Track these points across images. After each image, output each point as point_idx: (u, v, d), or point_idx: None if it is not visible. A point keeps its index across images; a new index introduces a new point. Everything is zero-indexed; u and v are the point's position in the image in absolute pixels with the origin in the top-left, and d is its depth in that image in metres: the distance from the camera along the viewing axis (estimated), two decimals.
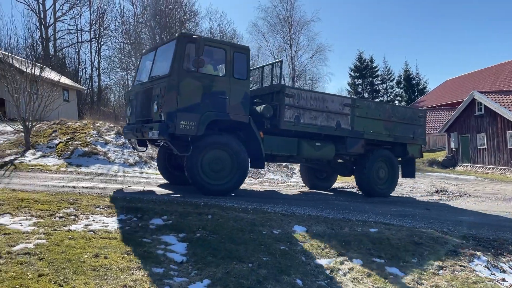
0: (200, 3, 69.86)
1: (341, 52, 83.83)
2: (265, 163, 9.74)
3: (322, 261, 4.64)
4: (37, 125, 14.05)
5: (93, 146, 12.91)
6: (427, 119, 33.02)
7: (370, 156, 10.15)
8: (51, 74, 18.54)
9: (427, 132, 31.50)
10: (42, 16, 32.84)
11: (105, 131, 14.57)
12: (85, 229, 5.05)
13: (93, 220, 5.46)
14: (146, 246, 4.62)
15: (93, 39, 36.62)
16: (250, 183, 12.11)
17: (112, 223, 5.42)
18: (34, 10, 32.56)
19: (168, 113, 7.73)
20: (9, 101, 15.26)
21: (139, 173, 11.64)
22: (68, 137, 13.52)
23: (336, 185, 12.62)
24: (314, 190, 11.26)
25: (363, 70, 53.34)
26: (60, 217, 5.42)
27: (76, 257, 4.04)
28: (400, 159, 11.11)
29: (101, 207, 6.14)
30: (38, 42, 30.75)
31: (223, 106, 8.17)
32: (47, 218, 5.36)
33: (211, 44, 8.56)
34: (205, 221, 5.77)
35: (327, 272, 4.33)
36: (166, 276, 3.86)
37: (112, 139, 13.96)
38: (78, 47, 36.17)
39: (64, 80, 26.36)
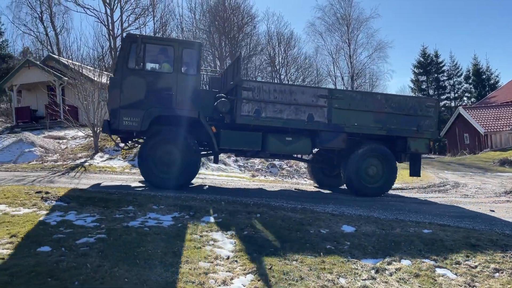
0: (257, 6, 70.96)
1: (403, 48, 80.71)
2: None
3: (369, 261, 4.58)
4: None
5: None
6: (497, 115, 31.05)
7: (355, 151, 9.34)
8: None
9: (497, 130, 29.62)
10: (110, 27, 35.07)
11: None
12: (141, 225, 5.40)
13: (149, 217, 5.81)
14: (196, 242, 4.85)
15: None
16: (305, 184, 12.12)
17: (166, 220, 5.74)
18: (103, 22, 34.85)
19: (111, 110, 8.36)
20: (80, 108, 16.54)
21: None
22: None
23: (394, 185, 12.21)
24: None
25: (427, 66, 50.90)
26: (120, 214, 5.84)
27: (129, 251, 4.35)
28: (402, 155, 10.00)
29: (157, 205, 6.50)
30: (107, 52, 32.90)
31: (169, 102, 8.37)
32: (109, 215, 5.79)
33: (157, 42, 9.02)
34: (254, 220, 5.92)
35: (373, 271, 4.28)
36: (211, 271, 4.04)
37: None
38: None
39: None
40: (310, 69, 41.34)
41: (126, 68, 8.37)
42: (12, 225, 5.06)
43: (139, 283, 3.61)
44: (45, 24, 36.51)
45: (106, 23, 35.11)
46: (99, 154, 13.36)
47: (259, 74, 38.71)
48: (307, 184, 11.87)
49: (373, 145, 9.48)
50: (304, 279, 3.94)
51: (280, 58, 40.14)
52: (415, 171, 10.14)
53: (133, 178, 10.06)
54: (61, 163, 12.14)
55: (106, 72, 17.68)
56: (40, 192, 6.86)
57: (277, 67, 39.76)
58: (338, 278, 4.03)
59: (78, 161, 12.44)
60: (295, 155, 10.28)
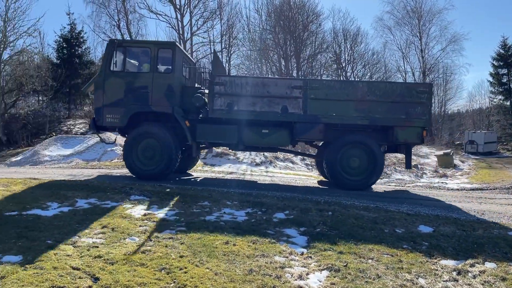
0: (322, 4, 70.00)
1: (480, 40, 75.13)
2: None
3: (449, 262, 4.40)
4: None
5: (225, 148, 14.04)
6: None
7: (334, 143, 8.99)
8: None
9: None
10: (181, 32, 36.64)
11: None
12: (217, 219, 5.64)
13: (224, 212, 6.05)
14: (270, 237, 4.97)
15: (224, 49, 39.50)
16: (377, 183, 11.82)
17: (240, 215, 5.93)
18: (174, 27, 36.56)
19: (96, 108, 9.40)
20: None
21: (264, 172, 12.29)
22: None
23: (473, 185, 11.52)
24: (449, 192, 10.47)
25: (508, 58, 46.98)
26: (197, 209, 6.14)
27: (209, 243, 4.58)
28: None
29: (230, 201, 6.74)
30: None
31: (146, 99, 9.11)
32: (187, 209, 6.12)
33: (135, 45, 10.00)
34: (325, 217, 5.92)
35: (454, 273, 4.11)
36: (287, 265, 4.13)
37: None
38: (211, 57, 39.37)
39: None
40: (378, 65, 40.02)
41: (109, 70, 9.21)
42: (103, 217, 5.53)
43: (218, 273, 3.79)
44: (122, 31, 38.94)
45: (176, 28, 36.75)
46: None
47: (324, 72, 38.24)
48: (378, 183, 11.57)
49: (354, 136, 9.03)
50: (381, 277, 3.89)
51: (346, 55, 39.32)
52: (407, 163, 9.41)
53: (206, 176, 10.47)
54: None
55: None
56: (124, 187, 7.40)
57: (343, 65, 39.02)
58: (417, 278, 3.93)
59: None
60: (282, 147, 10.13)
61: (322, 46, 36.89)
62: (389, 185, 11.52)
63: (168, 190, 7.51)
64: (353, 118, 8.85)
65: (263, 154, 14.26)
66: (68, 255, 4.05)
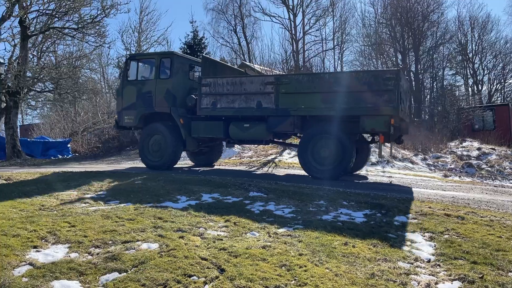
0: None
1: None
2: None
3: None
4: None
5: None
6: None
7: (305, 134, 9.42)
8: None
9: None
10: (293, 32, 37.10)
11: None
12: (334, 219, 5.56)
13: (341, 213, 5.94)
14: (392, 241, 4.73)
15: (336, 46, 38.89)
16: (509, 186, 10.49)
17: (358, 216, 5.76)
18: (286, 28, 37.24)
19: (117, 112, 11.43)
20: None
21: (381, 171, 11.76)
22: None
23: None
24: None
25: None
26: (313, 208, 6.14)
27: (328, 243, 4.53)
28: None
29: (347, 201, 6.59)
30: (290, 56, 34.89)
31: (151, 102, 10.72)
32: (303, 207, 6.15)
33: (144, 57, 12.00)
34: (454, 224, 5.43)
35: None
36: (412, 272, 3.88)
37: None
38: (323, 55, 39.14)
39: None
40: None
41: (126, 80, 11.17)
42: (225, 211, 5.85)
43: (339, 274, 3.73)
44: (238, 35, 40.93)
45: (289, 28, 37.28)
46: (287, 151, 14.29)
47: (447, 65, 35.17)
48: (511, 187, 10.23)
49: (323, 127, 9.21)
50: None
51: (473, 45, 35.66)
52: (379, 153, 9.49)
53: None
54: (255, 159, 13.49)
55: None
56: (244, 183, 7.75)
57: (469, 55, 35.41)
58: None
59: (269, 157, 13.59)
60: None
61: (445, 37, 33.96)
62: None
63: (284, 187, 7.64)
64: (321, 110, 9.04)
65: (378, 154, 13.66)
66: (197, 246, 4.36)
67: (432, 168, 13.33)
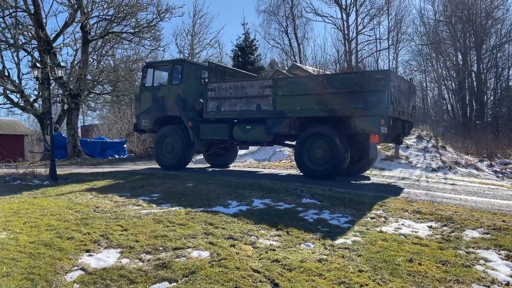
0: None
1: None
2: None
3: None
4: None
5: (394, 150, 13.12)
6: None
7: (300, 135, 9.51)
8: None
9: None
10: (346, 32, 36.25)
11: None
12: (396, 232, 5.14)
13: (402, 224, 5.50)
14: (463, 258, 4.26)
15: (391, 46, 37.52)
16: None
17: (421, 229, 5.31)
18: (339, 28, 36.44)
19: (136, 116, 12.35)
20: None
21: (443, 179, 10.99)
22: None
23: None
24: None
25: None
26: (372, 218, 5.74)
27: (390, 259, 4.15)
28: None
29: (409, 211, 6.12)
30: (342, 56, 34.09)
31: (164, 107, 11.40)
32: (360, 217, 5.77)
33: (159, 65, 12.40)
34: None
35: None
36: None
37: (413, 143, 13.82)
38: (377, 56, 37.91)
39: None
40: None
41: (143, 86, 11.92)
42: (276, 218, 5.61)
43: None
44: (289, 36, 40.66)
45: (341, 28, 36.48)
46: None
47: None
48: None
49: (316, 128, 9.31)
50: None
51: None
52: (370, 153, 9.21)
53: (374, 180, 9.90)
54: None
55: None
56: (296, 189, 7.47)
57: None
58: None
59: None
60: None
61: (510, 34, 31.62)
62: None
63: (339, 194, 7.27)
64: (314, 111, 9.20)
65: (440, 159, 12.84)
66: (248, 256, 4.16)
67: (500, 175, 12.30)
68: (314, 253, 4.32)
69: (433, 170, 11.80)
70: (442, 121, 23.52)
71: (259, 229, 5.09)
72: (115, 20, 19.53)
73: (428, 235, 5.07)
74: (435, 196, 7.56)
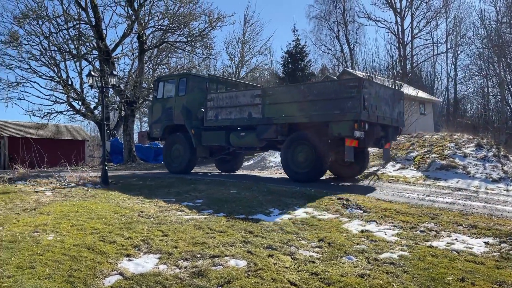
0: None
1: None
2: None
3: None
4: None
5: (451, 159, 12.37)
6: None
7: (286, 140, 10.05)
8: (408, 90, 19.33)
9: None
10: (400, 36, 35.07)
11: (463, 143, 13.71)
12: (448, 247, 4.79)
13: (456, 239, 5.12)
14: None
15: (449, 50, 35.79)
16: None
17: (477, 245, 4.91)
18: (393, 32, 35.35)
19: (149, 125, 13.51)
20: None
21: (504, 190, 10.19)
22: (425, 149, 13.55)
23: None
24: None
25: None
26: (422, 231, 5.40)
27: (439, 277, 3.85)
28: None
29: (463, 225, 5.69)
30: (396, 61, 32.96)
31: (171, 116, 12.43)
32: (409, 230, 5.45)
33: (167, 79, 13.61)
34: None
35: None
36: None
37: (471, 152, 12.95)
38: (433, 60, 36.26)
39: (421, 94, 26.90)
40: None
41: (155, 98, 13.21)
42: (319, 229, 5.43)
43: None
44: (340, 42, 40.03)
45: (396, 32, 35.34)
46: (391, 163, 13.22)
47: None
48: None
49: (299, 133, 9.90)
50: None
51: None
52: (349, 156, 9.15)
53: (429, 191, 9.35)
54: None
55: (397, 81, 17.53)
56: (341, 198, 7.22)
57: None
58: None
59: (371, 169, 12.70)
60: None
61: None
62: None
63: (387, 205, 6.93)
64: (297, 118, 9.82)
65: (502, 169, 11.93)
66: (286, 267, 4.03)
67: None
68: (356, 267, 4.11)
69: (494, 181, 10.96)
70: (505, 128, 21.94)
71: (300, 239, 4.95)
72: (170, 30, 20.21)
73: (484, 252, 4.67)
74: (494, 209, 7.00)
